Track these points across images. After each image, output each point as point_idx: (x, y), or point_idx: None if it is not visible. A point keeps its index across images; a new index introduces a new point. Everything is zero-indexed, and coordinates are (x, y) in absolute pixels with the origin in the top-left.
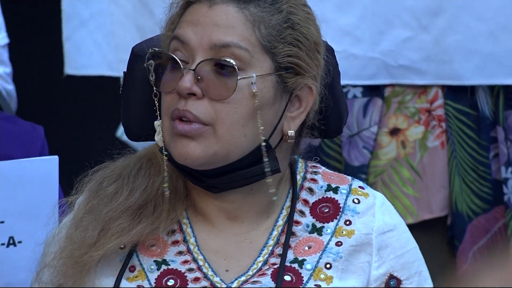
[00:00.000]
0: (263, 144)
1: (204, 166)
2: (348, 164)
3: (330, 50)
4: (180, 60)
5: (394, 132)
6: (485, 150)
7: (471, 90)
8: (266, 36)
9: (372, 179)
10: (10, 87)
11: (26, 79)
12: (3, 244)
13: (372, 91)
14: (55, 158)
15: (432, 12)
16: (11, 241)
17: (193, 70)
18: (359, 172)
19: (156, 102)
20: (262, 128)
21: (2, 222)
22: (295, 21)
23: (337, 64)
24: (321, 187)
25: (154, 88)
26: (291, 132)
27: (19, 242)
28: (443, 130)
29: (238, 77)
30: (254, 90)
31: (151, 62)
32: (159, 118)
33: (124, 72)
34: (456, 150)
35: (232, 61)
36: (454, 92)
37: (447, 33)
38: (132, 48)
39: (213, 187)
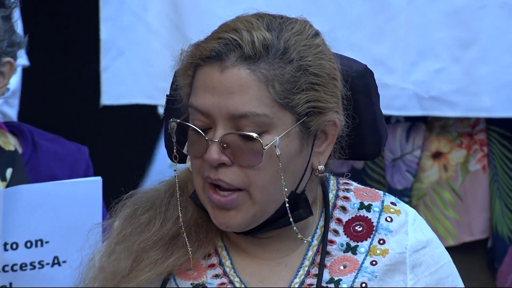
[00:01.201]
0: (287, 201)
1: (245, 229)
2: (391, 188)
3: (369, 74)
4: (202, 129)
5: (437, 155)
6: None
7: None
8: (282, 93)
9: (414, 202)
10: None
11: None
12: (48, 263)
13: (415, 117)
14: (99, 179)
15: (464, 43)
16: (56, 261)
17: (218, 141)
18: (402, 195)
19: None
20: (286, 190)
21: (47, 242)
22: (307, 64)
23: (377, 87)
24: (354, 204)
25: (180, 149)
26: (321, 167)
27: (64, 261)
28: (485, 154)
29: (264, 147)
30: (278, 154)
31: (174, 125)
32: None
33: (167, 95)
34: (498, 174)
35: (254, 134)
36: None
37: (478, 64)
38: (175, 72)
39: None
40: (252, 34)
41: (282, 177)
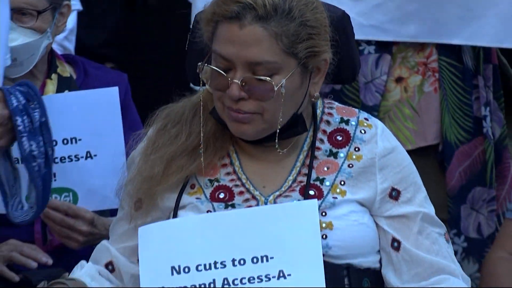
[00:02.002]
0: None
1: (255, 138)
2: (364, 104)
3: (346, 17)
4: (224, 70)
5: (399, 80)
6: (469, 94)
7: (458, 48)
8: (288, 44)
9: (381, 116)
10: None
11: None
12: (82, 157)
13: (382, 48)
14: (115, 88)
15: None
16: (88, 155)
17: (238, 82)
18: (372, 110)
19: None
20: (281, 117)
21: (80, 139)
22: (306, 19)
23: (352, 28)
24: (336, 119)
25: (207, 86)
26: (317, 94)
27: (95, 155)
28: (436, 79)
29: (275, 88)
30: (282, 92)
31: (201, 67)
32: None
33: (188, 33)
34: (447, 94)
35: (267, 78)
36: (445, 49)
37: (409, 2)
38: (195, 15)
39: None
40: None
41: (286, 105)
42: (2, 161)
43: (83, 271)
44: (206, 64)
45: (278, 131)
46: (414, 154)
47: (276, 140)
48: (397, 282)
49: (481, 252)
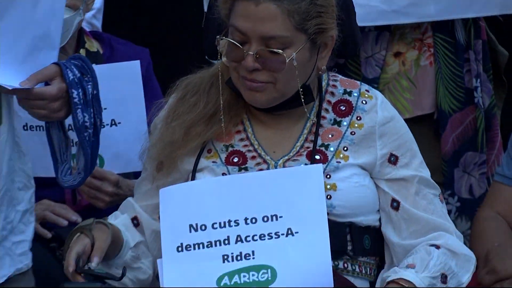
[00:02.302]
0: (301, 90)
1: (267, 106)
2: (365, 77)
3: None
4: (240, 43)
5: (397, 54)
6: (461, 67)
7: (451, 25)
8: (299, 21)
9: (381, 87)
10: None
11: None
12: (107, 124)
13: (381, 26)
14: (137, 62)
15: None
16: (113, 122)
17: (252, 54)
18: (373, 82)
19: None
20: (306, 80)
21: (105, 108)
22: None
23: (354, 6)
24: (339, 91)
25: (224, 59)
26: (323, 67)
27: (119, 123)
28: (431, 53)
29: (286, 60)
30: (294, 64)
31: (219, 40)
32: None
33: (205, 12)
34: (441, 67)
35: (280, 51)
36: (439, 27)
37: None
38: None
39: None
40: None
41: (295, 76)
42: (56, 131)
43: (117, 220)
44: (223, 38)
45: (298, 96)
46: (411, 122)
47: (303, 100)
48: (396, 239)
49: (473, 211)
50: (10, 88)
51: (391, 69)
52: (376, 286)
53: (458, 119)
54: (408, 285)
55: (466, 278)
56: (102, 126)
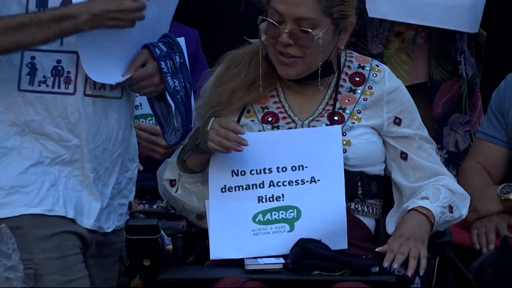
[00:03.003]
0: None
1: (296, 77)
2: (371, 53)
3: None
4: (277, 23)
5: (398, 34)
6: (449, 45)
7: None
8: (326, 6)
9: (385, 61)
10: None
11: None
12: None
13: None
14: (182, 39)
15: None
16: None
17: (287, 32)
18: (377, 57)
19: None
20: (328, 57)
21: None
22: None
23: (365, 1)
24: (355, 65)
25: (264, 35)
26: (342, 47)
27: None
28: (426, 33)
29: (315, 38)
30: (320, 42)
31: (260, 19)
32: (259, 36)
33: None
34: (433, 45)
35: (309, 29)
36: None
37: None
38: None
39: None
40: None
41: (324, 53)
42: (157, 101)
43: None
44: (265, 18)
45: (320, 70)
46: (408, 89)
47: (319, 78)
48: (406, 182)
49: (458, 162)
50: (114, 84)
51: (393, 46)
52: (395, 219)
53: (447, 87)
54: (425, 211)
55: (465, 211)
56: None
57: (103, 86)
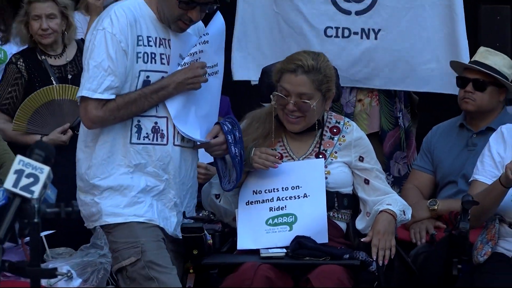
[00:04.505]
0: (317, 123)
1: (298, 131)
2: (345, 112)
3: (336, 70)
4: (285, 95)
5: (359, 100)
6: (392, 106)
7: None
8: (318, 85)
9: (353, 117)
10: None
11: None
12: None
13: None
14: (225, 97)
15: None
16: None
17: (293, 102)
18: (350, 115)
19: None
20: (319, 116)
21: None
22: (326, 73)
23: (339, 76)
24: (333, 120)
25: (274, 102)
26: (328, 109)
27: None
28: (377, 99)
29: (311, 106)
30: (314, 108)
31: (274, 94)
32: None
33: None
34: (382, 107)
35: (308, 101)
36: None
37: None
38: (269, 71)
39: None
40: (307, 61)
41: (317, 114)
42: (220, 160)
43: None
44: (276, 93)
45: (317, 124)
46: (368, 136)
47: (316, 130)
48: (367, 198)
49: (400, 183)
50: (198, 143)
51: (357, 108)
52: (360, 221)
53: (391, 134)
54: (391, 212)
55: (409, 215)
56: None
57: (183, 139)
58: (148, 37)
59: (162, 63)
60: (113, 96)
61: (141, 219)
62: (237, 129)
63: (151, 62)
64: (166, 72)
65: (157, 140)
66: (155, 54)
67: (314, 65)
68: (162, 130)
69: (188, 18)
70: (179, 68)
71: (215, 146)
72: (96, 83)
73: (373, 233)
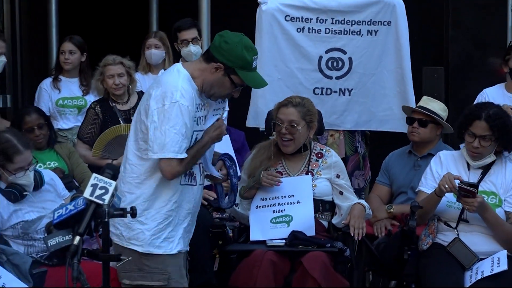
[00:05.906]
0: (303, 147)
1: (291, 152)
2: (322, 143)
3: (319, 111)
4: (280, 123)
5: (331, 135)
6: (353, 139)
7: None
8: (303, 116)
9: (328, 146)
10: None
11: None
12: None
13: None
14: (227, 137)
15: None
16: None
17: (285, 127)
18: (325, 144)
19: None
20: (305, 141)
21: None
22: (310, 108)
23: (321, 113)
24: (318, 148)
25: (273, 132)
26: (312, 137)
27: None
28: (343, 135)
29: (298, 130)
30: (301, 132)
31: (273, 121)
32: (272, 131)
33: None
34: (346, 139)
35: (295, 125)
36: None
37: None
38: (269, 111)
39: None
40: (295, 99)
41: (302, 138)
42: (219, 186)
43: None
44: (274, 121)
45: (303, 148)
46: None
47: (304, 151)
48: (341, 204)
49: (360, 194)
50: (218, 176)
51: (329, 140)
52: (336, 220)
53: (353, 158)
54: (362, 205)
55: (370, 213)
56: None
57: (203, 178)
58: (198, 104)
59: (202, 124)
60: (186, 155)
61: (174, 252)
62: (234, 164)
63: (197, 124)
64: (203, 131)
65: (191, 182)
66: (200, 117)
67: (300, 102)
68: (195, 174)
69: (231, 95)
70: (209, 125)
71: (221, 179)
72: (178, 146)
73: (350, 217)
